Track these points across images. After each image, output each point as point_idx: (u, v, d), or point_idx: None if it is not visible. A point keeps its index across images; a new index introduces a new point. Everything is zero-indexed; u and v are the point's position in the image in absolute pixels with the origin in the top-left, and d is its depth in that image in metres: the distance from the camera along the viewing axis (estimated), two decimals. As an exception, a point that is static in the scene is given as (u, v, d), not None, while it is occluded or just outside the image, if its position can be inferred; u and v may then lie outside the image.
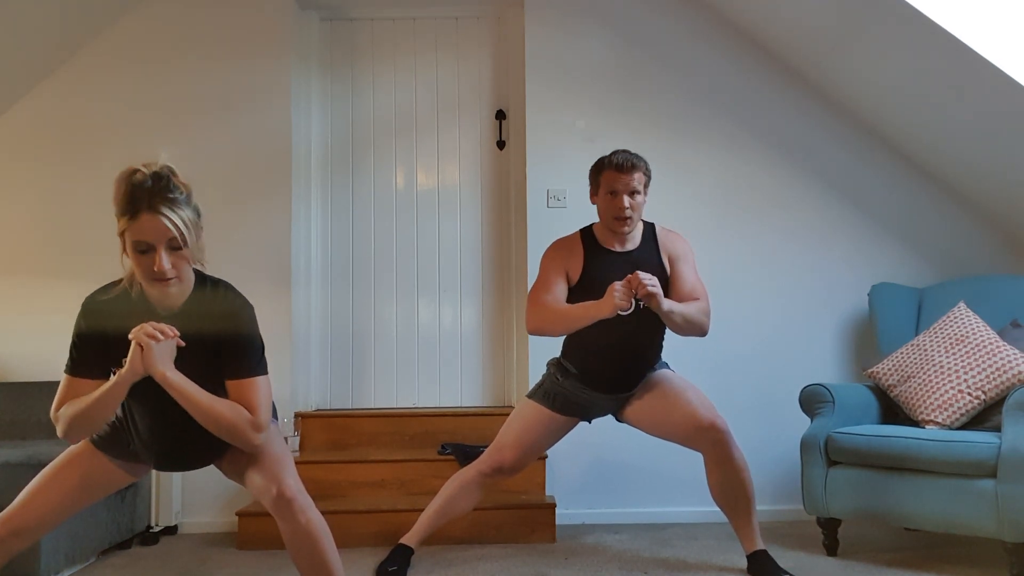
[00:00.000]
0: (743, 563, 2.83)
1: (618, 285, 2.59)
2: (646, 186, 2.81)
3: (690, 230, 3.77)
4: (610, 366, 2.84)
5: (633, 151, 2.82)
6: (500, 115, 4.14)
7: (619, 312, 2.61)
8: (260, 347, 2.06)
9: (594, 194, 2.86)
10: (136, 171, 1.88)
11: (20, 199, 3.86)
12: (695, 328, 2.76)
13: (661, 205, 3.65)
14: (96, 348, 1.96)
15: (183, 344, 1.93)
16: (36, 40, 3.71)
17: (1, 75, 3.70)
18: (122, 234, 1.89)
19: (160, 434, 2.08)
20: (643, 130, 3.89)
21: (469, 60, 4.19)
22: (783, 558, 2.92)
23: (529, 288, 3.73)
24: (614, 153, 2.81)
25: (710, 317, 2.80)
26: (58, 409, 1.97)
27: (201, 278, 2.04)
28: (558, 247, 2.89)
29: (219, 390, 1.99)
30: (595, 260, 2.81)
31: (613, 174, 2.76)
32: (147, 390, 1.96)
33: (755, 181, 3.90)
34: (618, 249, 2.84)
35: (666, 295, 2.80)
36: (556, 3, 3.93)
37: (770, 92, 3.92)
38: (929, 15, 2.98)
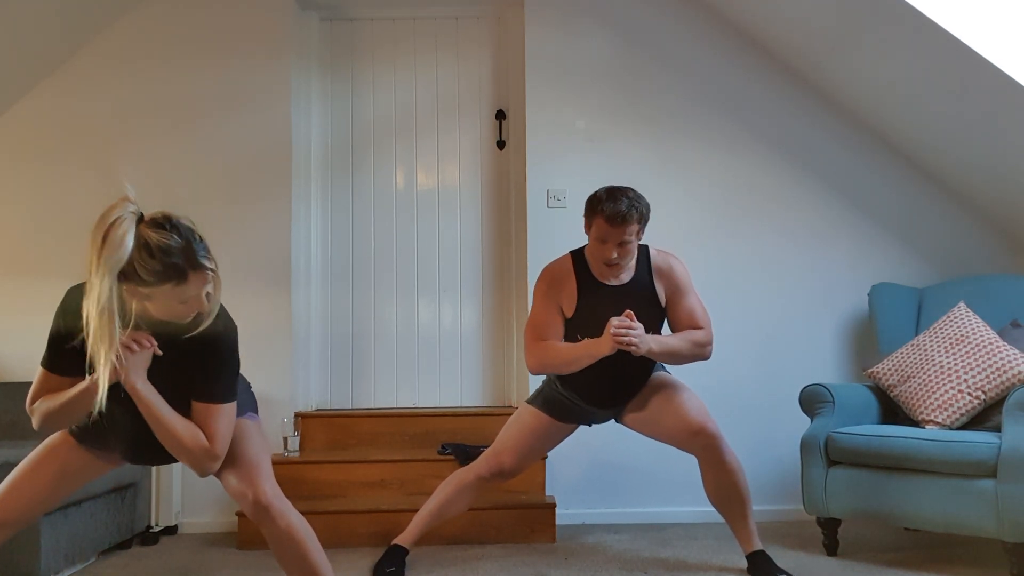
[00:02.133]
0: (743, 563, 2.83)
1: (615, 322, 2.58)
2: (640, 231, 2.71)
3: (690, 230, 3.80)
4: (604, 385, 2.83)
5: (634, 193, 2.67)
6: (500, 115, 4.14)
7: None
8: (234, 373, 2.02)
9: (586, 229, 2.76)
10: (146, 232, 1.72)
11: (20, 199, 3.86)
12: (687, 360, 2.76)
13: (661, 206, 3.63)
14: (72, 347, 1.91)
15: (160, 354, 1.90)
16: (36, 40, 3.71)
17: (1, 75, 3.70)
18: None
19: (132, 430, 2.05)
20: (643, 130, 3.89)
21: (469, 60, 4.19)
22: (783, 558, 2.92)
23: (528, 290, 3.76)
24: (609, 197, 2.65)
25: (710, 344, 2.78)
26: (32, 402, 1.97)
27: None
28: (550, 280, 2.82)
29: (184, 407, 1.96)
30: (588, 295, 2.77)
31: (604, 224, 2.64)
32: (120, 391, 1.94)
33: (755, 181, 3.90)
34: (612, 283, 2.79)
35: (660, 324, 2.82)
36: (556, 3, 3.93)
37: (770, 92, 3.92)
38: (929, 15, 2.98)
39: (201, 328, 1.89)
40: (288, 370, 3.81)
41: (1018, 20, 2.98)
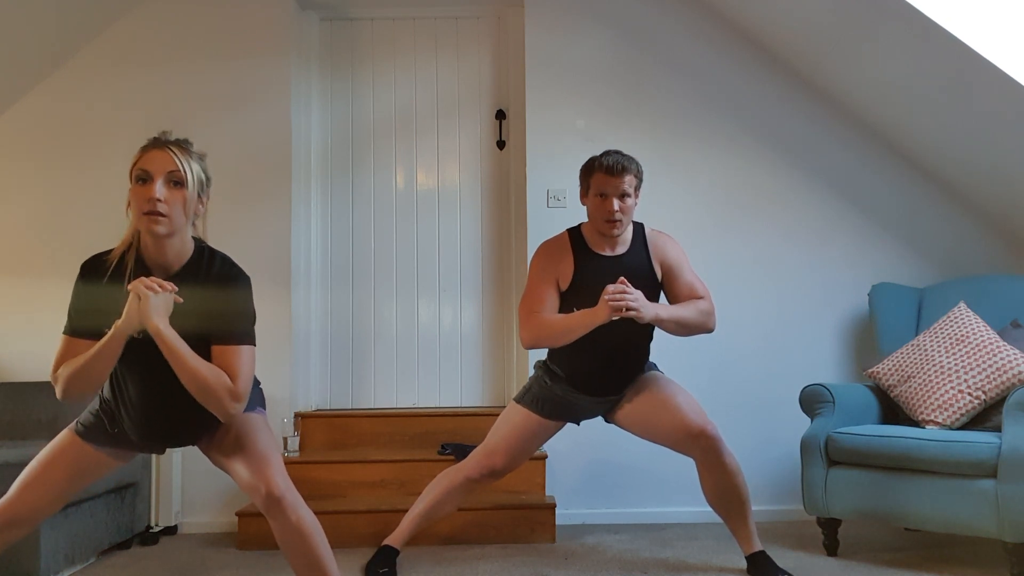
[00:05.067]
0: (743, 563, 2.83)
1: (611, 288, 2.57)
2: (637, 188, 2.76)
3: (689, 230, 3.80)
4: (597, 370, 2.82)
5: (625, 152, 2.77)
6: (500, 115, 4.14)
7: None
8: (251, 318, 2.06)
9: (584, 195, 2.80)
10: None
11: (20, 199, 3.86)
12: (694, 329, 2.75)
13: (660, 205, 3.66)
14: (93, 308, 1.98)
15: (181, 300, 1.94)
16: (36, 40, 3.71)
17: (1, 75, 3.70)
18: (131, 173, 1.97)
19: (146, 403, 2.08)
20: (643, 130, 3.89)
21: (469, 60, 4.19)
22: (783, 558, 2.92)
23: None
24: (605, 154, 2.75)
25: (714, 314, 2.80)
26: (56, 369, 1.99)
27: (201, 246, 2.08)
28: (547, 254, 2.83)
29: (205, 356, 2.00)
30: (585, 265, 2.77)
31: (603, 177, 2.71)
32: (137, 355, 1.98)
33: (755, 181, 3.90)
34: (608, 253, 2.80)
35: (656, 297, 2.81)
36: (556, 3, 3.93)
37: (770, 92, 3.92)
38: (929, 15, 2.98)
39: (213, 269, 2.03)
40: (288, 370, 3.81)
41: (1018, 20, 2.97)
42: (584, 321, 2.64)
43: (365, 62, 4.20)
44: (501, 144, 4.15)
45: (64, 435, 2.15)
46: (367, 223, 4.17)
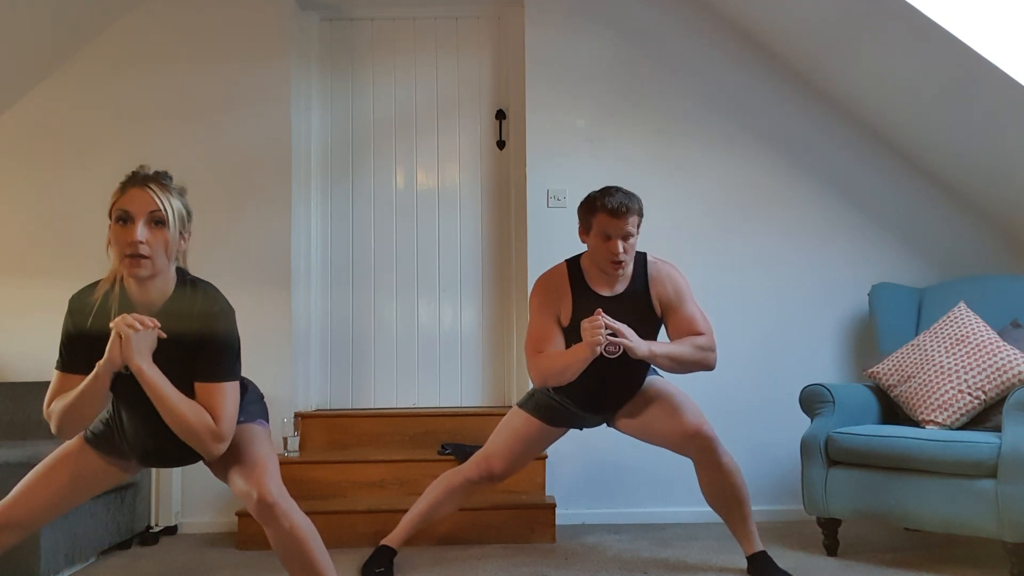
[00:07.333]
0: (743, 563, 2.83)
1: (585, 323, 2.56)
2: (639, 225, 2.69)
3: (689, 230, 3.81)
4: (595, 392, 2.80)
5: (626, 189, 2.69)
6: (500, 115, 4.14)
7: (605, 353, 2.59)
8: (236, 352, 2.04)
9: (584, 233, 2.72)
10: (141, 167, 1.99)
11: (20, 200, 3.86)
12: (691, 367, 2.71)
13: (660, 206, 3.66)
14: (83, 345, 1.97)
15: (164, 336, 1.93)
16: (35, 41, 3.71)
17: (1, 75, 3.70)
18: (111, 212, 1.94)
19: (141, 430, 2.08)
20: (643, 130, 3.89)
21: (469, 60, 4.19)
22: (783, 558, 2.92)
23: (528, 290, 3.76)
24: (607, 194, 2.65)
25: (714, 351, 2.73)
26: (49, 405, 1.99)
27: (183, 279, 2.05)
28: (546, 290, 2.78)
29: (190, 391, 1.98)
30: (582, 305, 2.72)
31: (606, 218, 2.62)
32: (126, 386, 1.97)
33: (755, 181, 3.90)
34: (606, 293, 2.74)
35: (655, 333, 2.79)
36: (556, 3, 3.93)
37: (770, 91, 3.92)
38: (929, 15, 2.98)
39: (196, 306, 2.00)
40: (288, 370, 3.81)
41: (1018, 20, 2.97)
42: (577, 357, 2.61)
43: (365, 62, 4.20)
44: (501, 144, 4.15)
45: (72, 440, 2.15)
46: (367, 223, 4.17)
